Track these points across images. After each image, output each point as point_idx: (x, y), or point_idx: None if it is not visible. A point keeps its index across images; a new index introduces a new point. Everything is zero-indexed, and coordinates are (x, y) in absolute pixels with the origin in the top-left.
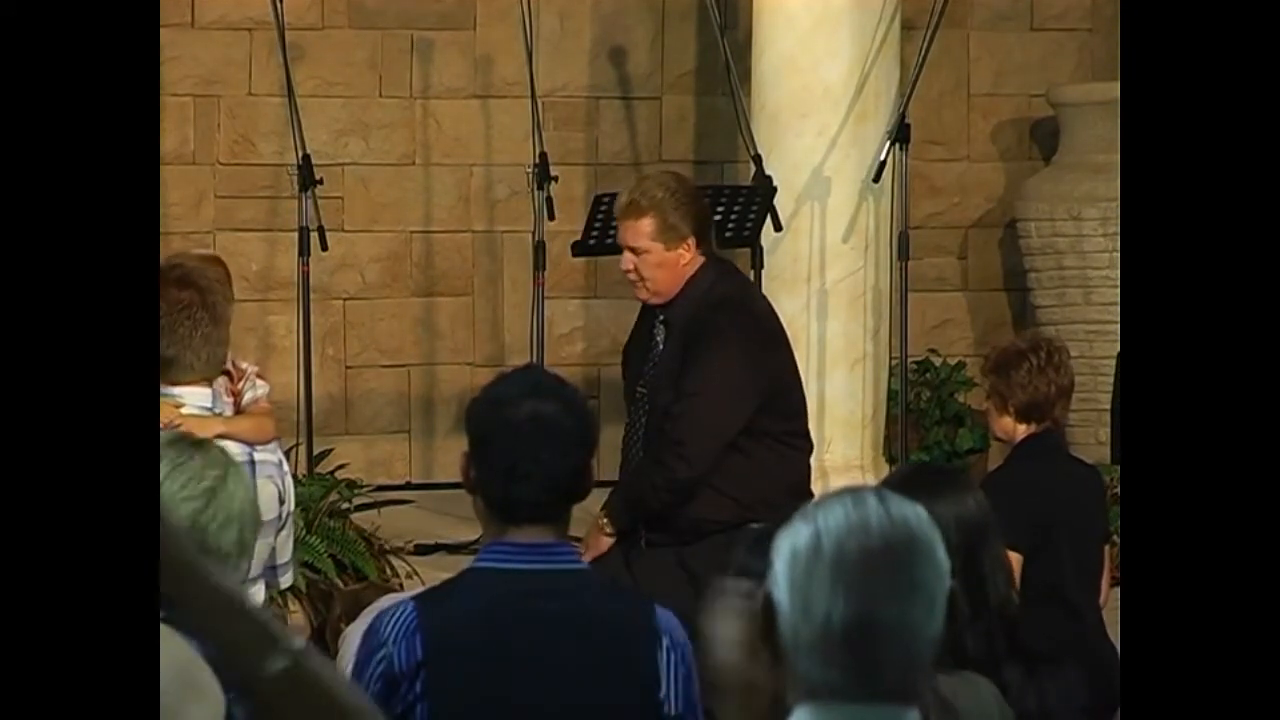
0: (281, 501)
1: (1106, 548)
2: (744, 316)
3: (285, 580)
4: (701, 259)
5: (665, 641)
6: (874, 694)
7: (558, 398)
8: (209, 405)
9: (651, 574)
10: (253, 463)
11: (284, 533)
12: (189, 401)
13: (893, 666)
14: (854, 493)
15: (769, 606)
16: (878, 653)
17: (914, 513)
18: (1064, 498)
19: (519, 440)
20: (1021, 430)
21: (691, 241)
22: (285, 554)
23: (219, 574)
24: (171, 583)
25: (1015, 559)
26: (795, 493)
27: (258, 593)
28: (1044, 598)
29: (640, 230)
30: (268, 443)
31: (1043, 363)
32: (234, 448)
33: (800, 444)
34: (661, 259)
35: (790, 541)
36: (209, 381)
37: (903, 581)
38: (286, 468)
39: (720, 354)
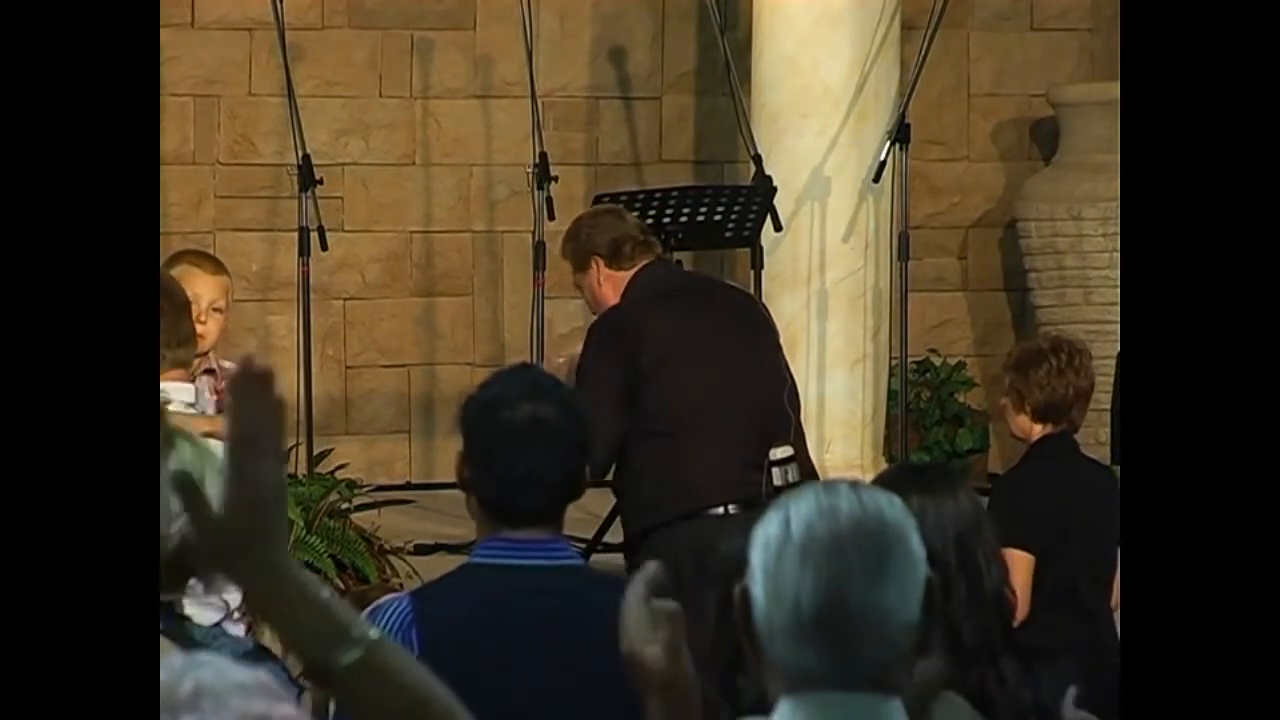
0: None
1: (1120, 549)
2: (605, 318)
3: None
4: (628, 271)
5: None
6: (851, 682)
7: (555, 400)
8: (192, 401)
9: None
10: None
11: None
12: (174, 397)
13: (866, 651)
14: (827, 483)
15: (745, 599)
16: (850, 636)
17: (887, 500)
18: (1079, 499)
19: (517, 445)
20: (1038, 430)
21: (598, 259)
22: None
23: (296, 565)
24: (253, 572)
25: (1028, 559)
26: (681, 491)
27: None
28: (1056, 598)
29: (573, 272)
30: None
31: (1063, 364)
32: (215, 444)
33: (682, 439)
34: (584, 284)
35: (762, 531)
36: (187, 371)
37: (872, 564)
38: None
39: (581, 364)
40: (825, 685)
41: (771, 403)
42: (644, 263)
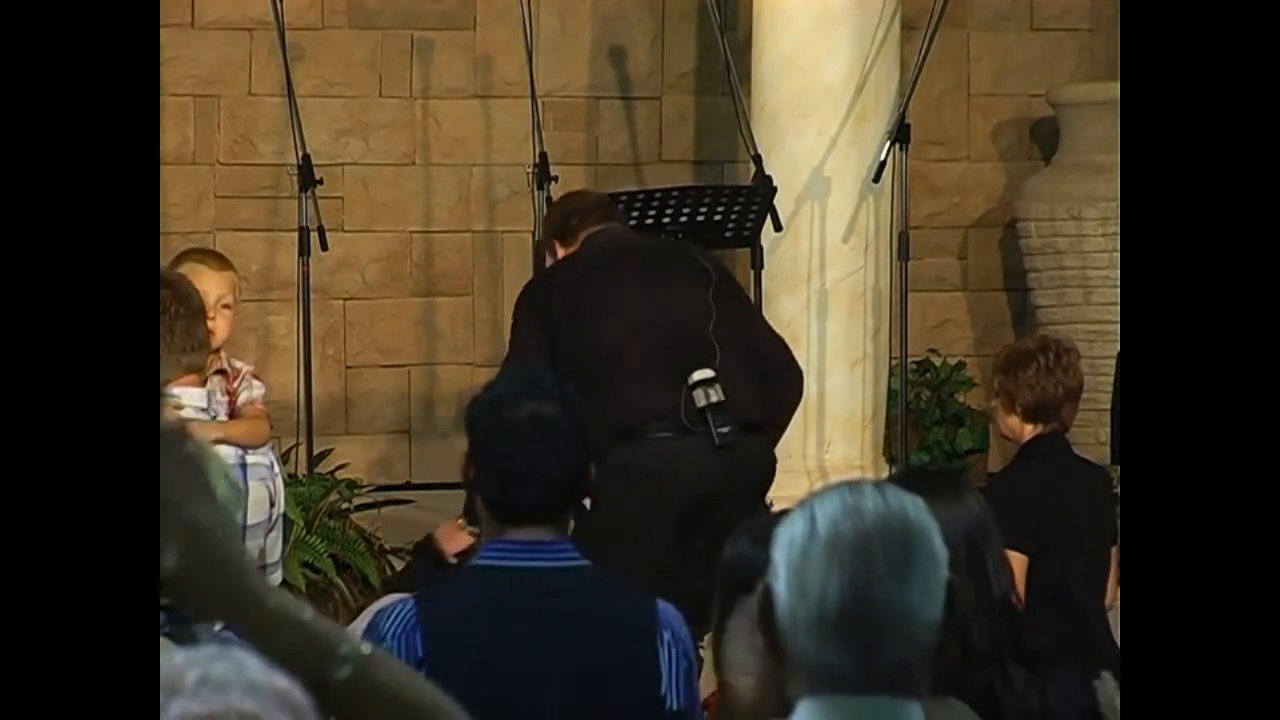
0: (272, 504)
1: (1113, 549)
2: (530, 280)
3: (274, 579)
4: (574, 246)
5: (666, 636)
6: (873, 681)
7: (556, 399)
8: (204, 406)
9: None
10: (244, 465)
11: (273, 534)
12: (186, 402)
13: (890, 649)
14: (851, 483)
15: (767, 597)
16: (874, 633)
17: (911, 501)
18: (1070, 499)
19: (518, 442)
20: (1028, 430)
21: (555, 243)
22: (274, 554)
23: (270, 590)
24: (223, 604)
25: (1021, 560)
26: (607, 423)
27: None
28: (1049, 598)
29: None
30: (261, 445)
31: (1051, 364)
32: (227, 450)
33: (601, 376)
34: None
35: (787, 530)
36: (200, 375)
37: (897, 563)
38: (278, 469)
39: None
40: (847, 685)
41: (693, 334)
42: (587, 234)
